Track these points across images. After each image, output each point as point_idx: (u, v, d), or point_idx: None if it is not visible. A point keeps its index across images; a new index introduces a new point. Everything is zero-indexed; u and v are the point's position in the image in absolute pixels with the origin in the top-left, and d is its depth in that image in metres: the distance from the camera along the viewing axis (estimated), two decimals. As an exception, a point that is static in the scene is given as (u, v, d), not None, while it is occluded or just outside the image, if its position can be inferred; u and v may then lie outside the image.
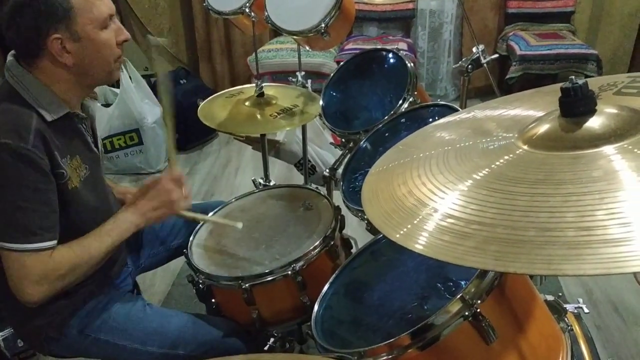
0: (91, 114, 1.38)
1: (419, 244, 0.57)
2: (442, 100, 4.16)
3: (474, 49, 1.67)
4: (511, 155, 0.66)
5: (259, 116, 1.80)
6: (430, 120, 1.56)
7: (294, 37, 1.85)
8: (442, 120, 0.89)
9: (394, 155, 0.81)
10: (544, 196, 0.56)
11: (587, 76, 3.59)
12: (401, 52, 1.83)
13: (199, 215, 1.54)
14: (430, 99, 1.83)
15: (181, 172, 1.41)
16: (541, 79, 3.91)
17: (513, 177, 0.62)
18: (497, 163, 0.66)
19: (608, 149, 0.62)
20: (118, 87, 3.34)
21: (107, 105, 3.34)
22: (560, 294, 2.16)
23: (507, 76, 3.65)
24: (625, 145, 0.62)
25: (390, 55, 1.83)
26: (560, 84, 0.67)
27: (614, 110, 0.68)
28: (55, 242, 1.18)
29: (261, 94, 1.85)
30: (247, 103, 1.86)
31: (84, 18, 1.18)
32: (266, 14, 1.80)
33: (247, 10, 1.85)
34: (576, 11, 3.92)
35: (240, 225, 1.47)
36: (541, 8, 3.88)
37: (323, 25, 1.70)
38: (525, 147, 0.67)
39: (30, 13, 1.14)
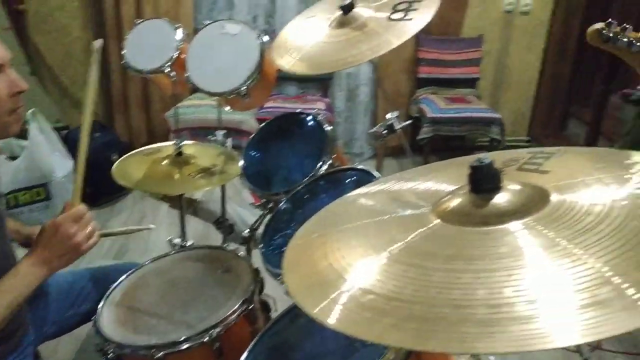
0: None
1: (339, 321, 0.58)
2: (358, 158, 4.32)
3: (388, 115, 1.75)
4: (426, 229, 0.69)
5: (177, 176, 1.77)
6: (348, 181, 1.61)
7: (215, 97, 1.86)
8: (361, 190, 0.91)
9: (315, 224, 0.83)
10: (457, 272, 0.59)
11: (492, 139, 3.84)
12: (320, 112, 1.89)
13: (115, 230, 1.65)
14: (348, 161, 1.88)
15: (82, 207, 1.26)
16: (450, 140, 4.15)
17: (428, 251, 0.64)
18: (413, 237, 0.68)
19: (514, 225, 0.67)
20: (25, 138, 3.18)
21: (13, 158, 3.17)
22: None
23: (419, 137, 3.83)
24: (529, 222, 0.67)
25: (310, 118, 1.88)
26: (471, 160, 0.72)
27: (517, 187, 0.74)
28: None
29: (179, 153, 1.83)
30: (165, 162, 1.83)
31: None
32: (187, 74, 1.80)
33: (167, 69, 1.85)
34: (480, 78, 4.22)
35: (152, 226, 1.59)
36: (449, 74, 4.14)
37: (244, 87, 1.72)
38: (439, 220, 0.71)
39: None
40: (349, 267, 0.67)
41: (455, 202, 0.72)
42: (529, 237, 0.64)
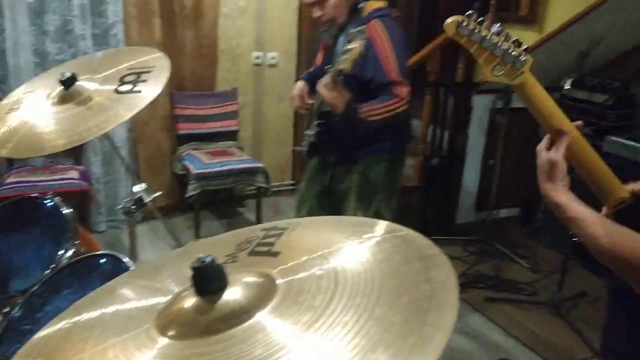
0: None
1: None
2: (124, 224, 4.04)
3: (135, 189, 1.64)
4: (149, 353, 0.61)
5: None
6: (96, 270, 1.45)
7: None
8: (82, 303, 0.79)
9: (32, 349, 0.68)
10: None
11: (259, 187, 3.92)
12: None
13: None
14: (98, 243, 1.71)
15: None
16: (219, 193, 4.14)
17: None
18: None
19: (244, 328, 0.62)
20: None
21: None
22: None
23: (187, 194, 3.74)
24: (261, 319, 0.63)
25: (46, 201, 1.67)
26: (192, 262, 0.66)
27: (247, 280, 0.70)
28: None
29: None
30: None
31: None
32: None
33: None
34: (240, 129, 4.32)
35: None
36: (209, 128, 4.14)
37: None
38: (165, 340, 0.63)
39: None
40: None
41: (179, 311, 0.65)
42: (260, 339, 0.60)
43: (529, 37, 3.30)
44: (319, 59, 2.44)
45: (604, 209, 1.11)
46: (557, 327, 2.88)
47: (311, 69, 2.59)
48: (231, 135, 4.26)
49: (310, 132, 2.44)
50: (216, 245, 0.86)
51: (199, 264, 0.65)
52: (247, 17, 4.15)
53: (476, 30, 1.00)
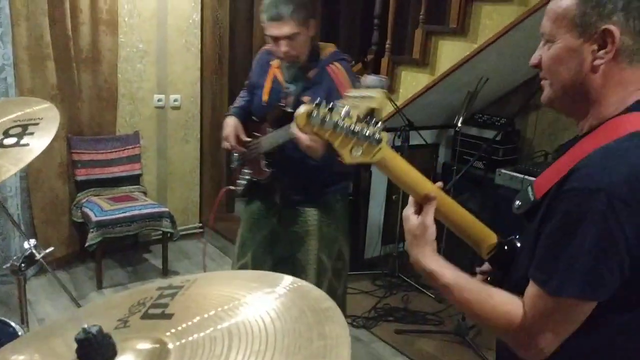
0: None
1: None
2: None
3: (26, 245, 1.54)
4: None
5: None
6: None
7: None
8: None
9: None
10: None
11: (164, 232, 3.81)
12: None
13: None
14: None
15: None
16: (123, 241, 3.98)
17: None
18: None
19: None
20: None
21: None
22: None
23: (87, 243, 3.55)
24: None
25: None
26: (76, 334, 0.63)
27: (140, 346, 0.68)
28: None
29: None
30: None
31: None
32: None
33: None
34: (143, 173, 4.20)
35: None
36: (110, 173, 3.99)
37: None
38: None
39: None
40: None
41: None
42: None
43: (422, 79, 3.48)
44: (265, 95, 2.30)
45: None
46: (464, 355, 2.98)
47: (239, 104, 2.45)
48: (134, 180, 4.13)
49: (248, 170, 2.34)
50: (108, 308, 0.83)
51: (83, 335, 0.62)
52: (147, 61, 4.09)
53: (327, 118, 0.99)
